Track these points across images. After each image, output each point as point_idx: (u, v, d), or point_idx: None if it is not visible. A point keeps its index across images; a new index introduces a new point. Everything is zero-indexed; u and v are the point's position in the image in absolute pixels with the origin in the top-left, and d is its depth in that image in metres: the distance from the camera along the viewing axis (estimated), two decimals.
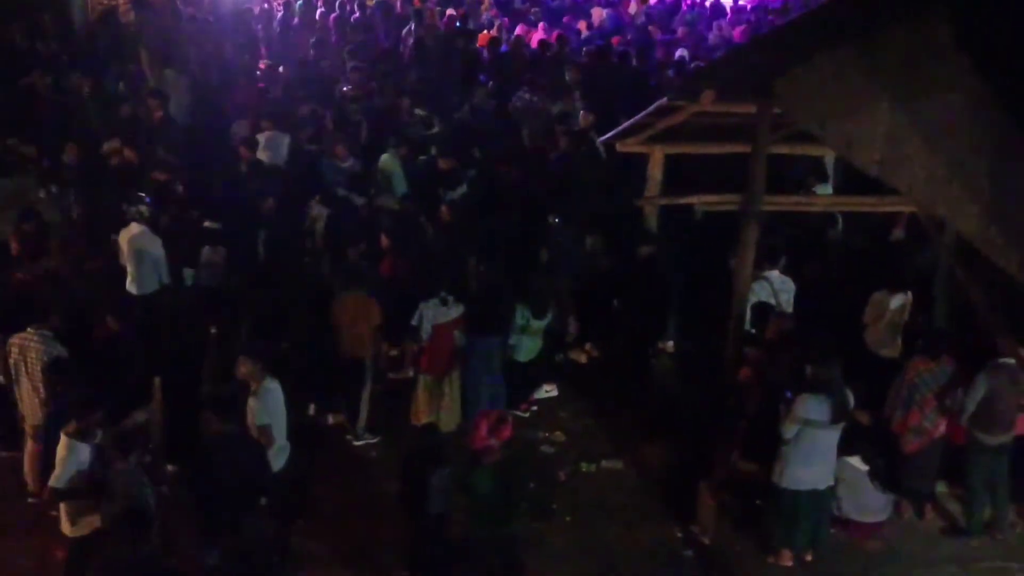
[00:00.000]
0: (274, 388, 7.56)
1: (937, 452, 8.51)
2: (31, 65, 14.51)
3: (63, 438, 6.83)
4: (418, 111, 14.17)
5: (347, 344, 9.33)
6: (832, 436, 7.75)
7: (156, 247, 10.00)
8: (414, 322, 9.25)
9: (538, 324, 9.84)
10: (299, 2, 19.53)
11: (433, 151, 12.74)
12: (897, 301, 9.40)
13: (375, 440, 9.58)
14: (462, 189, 11.79)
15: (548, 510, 8.61)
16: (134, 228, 9.98)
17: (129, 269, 9.99)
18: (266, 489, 7.07)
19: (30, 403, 8.09)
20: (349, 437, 9.63)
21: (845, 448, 8.03)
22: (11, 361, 8.03)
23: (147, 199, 10.34)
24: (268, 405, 7.49)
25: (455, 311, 9.29)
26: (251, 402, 7.45)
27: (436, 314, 9.20)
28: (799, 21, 6.78)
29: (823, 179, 11.54)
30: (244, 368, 7.53)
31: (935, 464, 8.57)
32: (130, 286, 10.01)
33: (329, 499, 8.70)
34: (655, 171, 10.81)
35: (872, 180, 6.34)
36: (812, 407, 7.56)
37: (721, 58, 11.29)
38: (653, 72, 16.42)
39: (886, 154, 5.95)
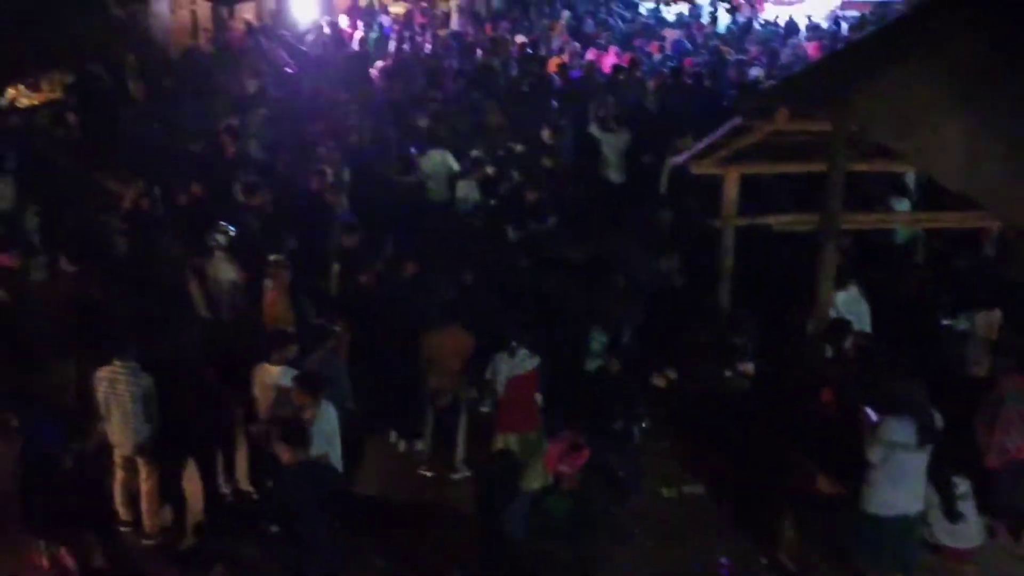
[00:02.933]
0: (330, 414, 7.60)
1: None
2: (116, 102, 14.98)
3: None
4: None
5: (439, 377, 9.18)
6: (920, 459, 7.51)
7: (234, 273, 10.20)
8: (488, 375, 8.90)
9: (616, 348, 9.74)
10: (373, 35, 19.87)
11: (515, 176, 12.73)
12: (986, 319, 9.13)
13: (470, 473, 9.36)
14: (553, 221, 11.68)
15: (628, 535, 8.49)
16: (217, 255, 10.23)
17: (200, 295, 10.21)
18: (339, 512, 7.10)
19: (121, 435, 8.26)
20: (424, 470, 9.57)
21: (935, 471, 7.78)
22: (100, 395, 8.20)
23: (229, 228, 10.52)
24: (324, 432, 7.51)
25: (530, 363, 8.78)
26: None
27: (510, 367, 8.74)
28: (873, 35, 6.69)
29: (904, 195, 11.31)
30: (299, 398, 7.57)
31: None
32: (205, 312, 10.23)
33: (404, 524, 8.69)
34: (730, 192, 10.69)
35: (957, 195, 6.18)
36: (897, 429, 7.35)
37: (794, 75, 11.16)
38: (727, 92, 16.31)
39: (967, 167, 5.80)
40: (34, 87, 16.39)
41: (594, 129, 14.01)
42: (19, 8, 14.48)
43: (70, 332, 9.38)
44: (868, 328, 9.33)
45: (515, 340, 8.69)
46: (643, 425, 9.94)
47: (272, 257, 9.79)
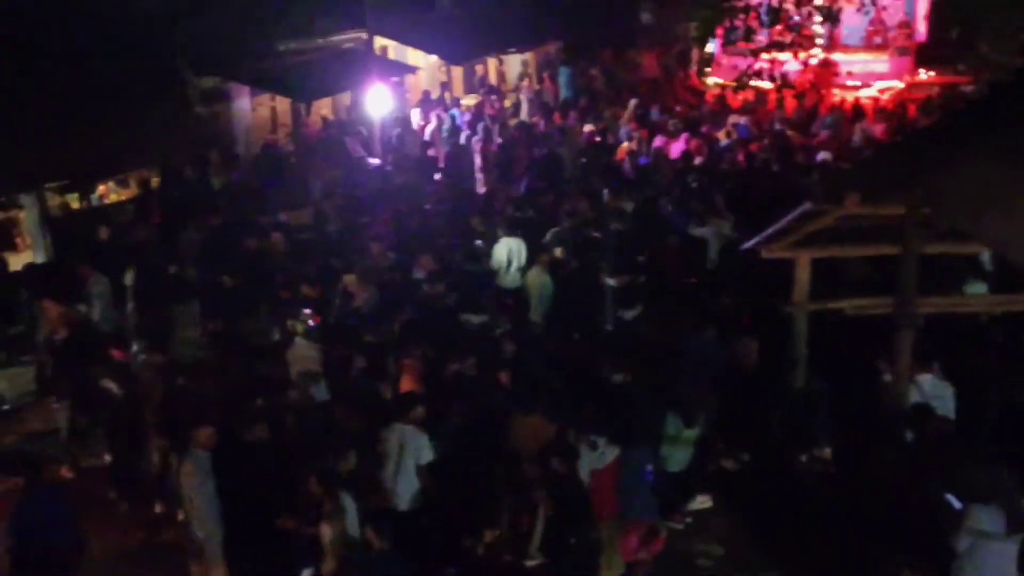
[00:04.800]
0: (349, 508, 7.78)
1: None
2: (201, 198, 15.59)
3: None
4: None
5: (523, 465, 9.14)
6: (1010, 549, 7.31)
7: (316, 361, 10.43)
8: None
9: (690, 433, 9.73)
10: (446, 127, 20.39)
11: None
12: None
13: (546, 561, 9.28)
14: (639, 309, 11.76)
15: None
16: (298, 343, 10.51)
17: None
18: None
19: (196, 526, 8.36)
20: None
21: None
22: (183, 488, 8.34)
23: (308, 313, 10.81)
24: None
25: (610, 455, 8.75)
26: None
27: (592, 460, 8.73)
28: (944, 119, 6.75)
29: (980, 277, 11.20)
30: (314, 488, 7.77)
31: None
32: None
33: None
34: (802, 276, 10.68)
35: None
36: (984, 518, 7.18)
37: (865, 160, 11.22)
38: (795, 176, 16.37)
39: None
40: (123, 183, 17.11)
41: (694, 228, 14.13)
42: (110, 108, 15.18)
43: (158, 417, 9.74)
44: (952, 412, 9.18)
45: (596, 435, 8.67)
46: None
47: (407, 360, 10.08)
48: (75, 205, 16.24)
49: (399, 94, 22.61)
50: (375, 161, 18.51)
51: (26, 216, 15.10)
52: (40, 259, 14.55)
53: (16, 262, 14.52)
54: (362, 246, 13.72)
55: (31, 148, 13.85)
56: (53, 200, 15.60)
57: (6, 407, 11.32)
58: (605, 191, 14.02)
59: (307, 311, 10.76)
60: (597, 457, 8.71)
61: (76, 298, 11.63)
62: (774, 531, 9.77)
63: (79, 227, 14.67)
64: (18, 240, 15.69)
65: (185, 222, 14.53)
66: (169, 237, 14.45)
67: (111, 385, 9.97)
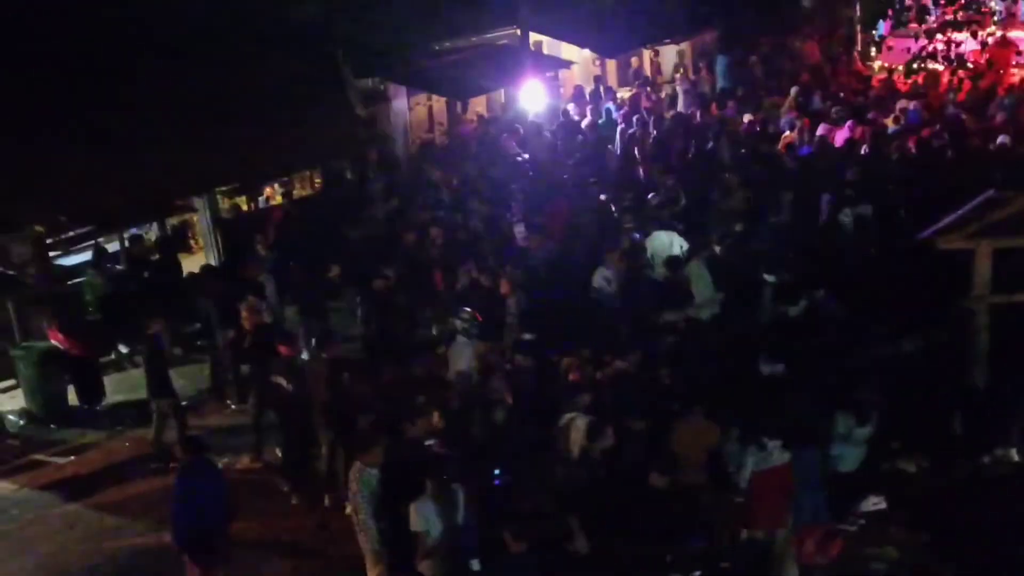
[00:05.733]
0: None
1: None
2: (361, 196, 15.96)
3: None
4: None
5: (685, 470, 8.87)
6: None
7: (472, 359, 10.51)
8: (731, 468, 8.65)
9: (862, 432, 9.35)
10: (602, 120, 20.25)
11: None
12: None
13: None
14: (803, 305, 11.42)
15: None
16: (459, 340, 10.63)
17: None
18: None
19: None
20: None
21: None
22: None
23: (469, 312, 10.88)
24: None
25: (778, 457, 8.42)
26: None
27: (757, 460, 8.45)
28: None
29: None
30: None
31: None
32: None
33: None
34: (982, 267, 10.09)
35: None
36: None
37: None
38: (971, 163, 15.53)
39: None
40: (288, 185, 17.68)
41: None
42: (273, 111, 15.67)
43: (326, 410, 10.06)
44: None
45: (767, 435, 8.37)
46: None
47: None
48: (244, 207, 16.86)
49: (554, 89, 22.60)
50: (526, 157, 18.51)
51: (198, 219, 15.77)
52: (212, 260, 15.17)
53: (191, 263, 15.18)
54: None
55: (201, 152, 14.43)
56: (223, 203, 16.23)
57: (184, 403, 11.83)
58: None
59: (468, 310, 10.81)
60: (763, 458, 8.41)
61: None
62: (952, 535, 9.28)
63: (248, 229, 15.21)
64: (192, 242, 16.44)
65: (345, 222, 14.89)
66: (329, 237, 14.80)
67: (282, 381, 10.27)
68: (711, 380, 9.96)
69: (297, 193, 17.86)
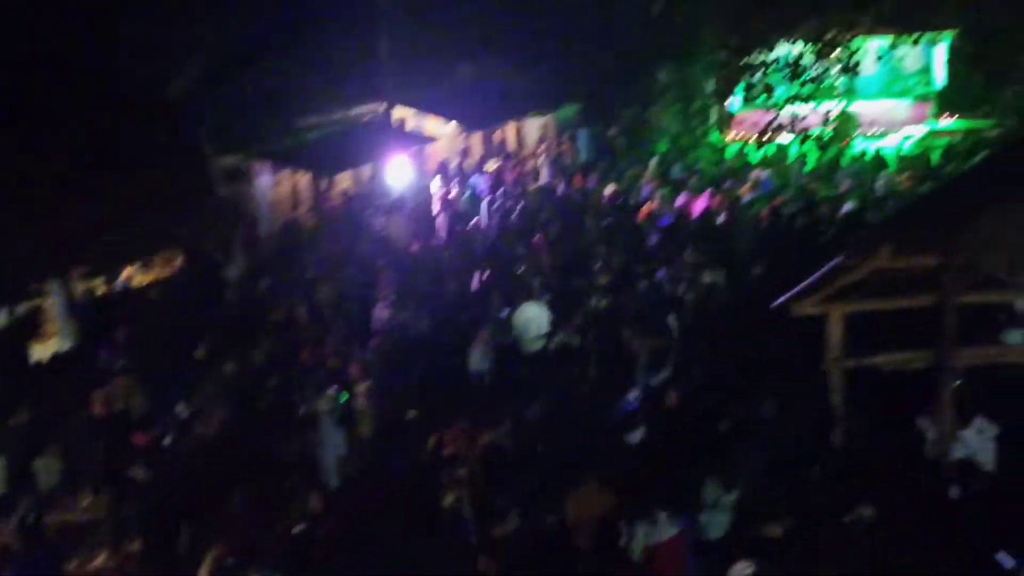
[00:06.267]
0: None
1: None
2: (224, 277, 15.63)
3: None
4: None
5: (581, 539, 8.89)
6: None
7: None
8: (621, 542, 8.63)
9: (728, 498, 9.46)
10: (466, 194, 20.39)
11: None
12: None
13: None
14: (665, 373, 11.56)
15: None
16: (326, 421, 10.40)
17: None
18: None
19: None
20: None
21: None
22: None
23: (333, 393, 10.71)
24: None
25: (667, 529, 8.44)
26: None
27: (647, 532, 8.48)
28: (978, 170, 6.60)
29: (1019, 325, 10.91)
30: None
31: None
32: None
33: None
34: (835, 332, 10.44)
35: None
36: None
37: (897, 212, 11.04)
38: (822, 229, 16.18)
39: None
40: (148, 266, 17.16)
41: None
42: (132, 191, 15.28)
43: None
44: (991, 466, 8.89)
45: (657, 506, 8.38)
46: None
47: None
48: (101, 290, 16.27)
49: (419, 164, 22.69)
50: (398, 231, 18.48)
51: (53, 303, 15.12)
52: (67, 346, 14.54)
53: (42, 350, 14.49)
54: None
55: (55, 234, 13.91)
56: (79, 286, 15.62)
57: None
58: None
59: (333, 388, 10.64)
60: (654, 531, 8.43)
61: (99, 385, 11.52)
62: None
63: (106, 312, 14.65)
64: (45, 328, 15.72)
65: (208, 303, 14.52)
66: (192, 319, 14.40)
67: (139, 471, 9.86)
68: (588, 450, 10.00)
69: (158, 274, 17.34)
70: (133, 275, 16.98)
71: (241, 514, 8.97)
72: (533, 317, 13.12)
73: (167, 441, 10.66)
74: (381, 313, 14.08)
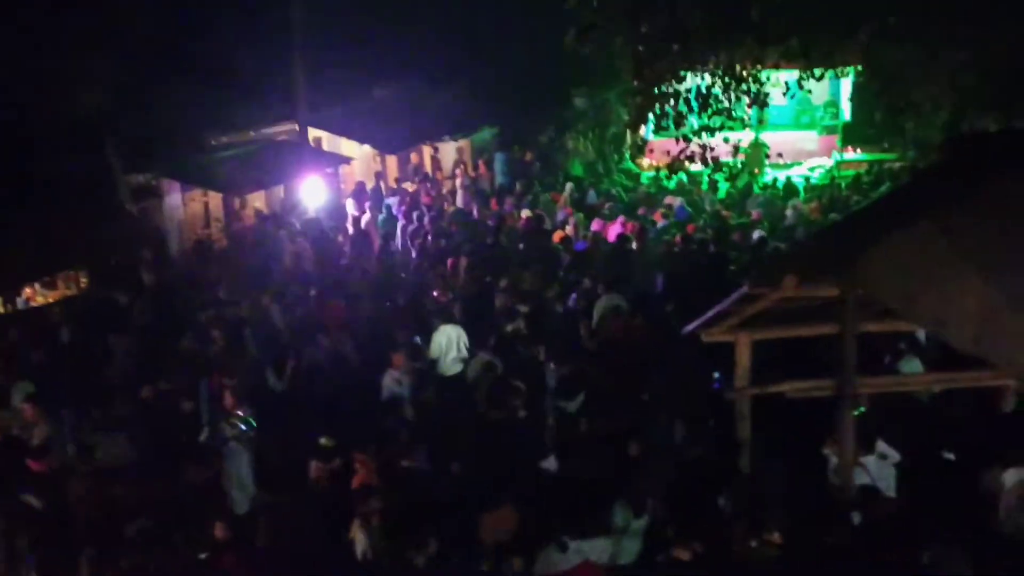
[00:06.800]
0: None
1: None
2: (134, 293, 15.29)
3: None
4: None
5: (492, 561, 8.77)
6: None
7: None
8: (532, 568, 8.53)
9: (639, 523, 9.53)
10: (381, 216, 20.31)
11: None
12: (1013, 477, 8.91)
13: None
14: (579, 400, 11.59)
15: None
16: (231, 446, 10.26)
17: None
18: None
19: None
20: None
21: None
22: None
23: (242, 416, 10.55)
24: None
25: (576, 556, 8.41)
26: None
27: (557, 560, 8.45)
28: (877, 201, 6.79)
29: (917, 353, 11.25)
30: None
31: None
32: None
33: None
34: (742, 359, 10.62)
35: None
36: None
37: (801, 243, 11.30)
38: (732, 256, 16.50)
39: (981, 330, 5.78)
40: (50, 285, 16.69)
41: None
42: (37, 207, 14.90)
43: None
44: (892, 491, 9.11)
45: (565, 534, 8.34)
46: None
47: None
48: (0, 309, 15.76)
49: (334, 185, 22.54)
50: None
51: None
52: None
53: None
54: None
55: None
56: None
57: None
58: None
59: (241, 412, 10.47)
60: (564, 558, 8.40)
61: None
62: None
63: (4, 332, 14.20)
64: None
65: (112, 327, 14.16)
66: (96, 342, 14.02)
67: (32, 500, 9.54)
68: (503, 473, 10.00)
69: (61, 293, 16.87)
70: (34, 294, 16.50)
71: (142, 541, 8.73)
72: (452, 339, 13.09)
73: (67, 466, 10.32)
74: (293, 335, 13.93)
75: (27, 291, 16.30)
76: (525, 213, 20.21)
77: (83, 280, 16.78)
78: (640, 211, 20.52)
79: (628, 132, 24.76)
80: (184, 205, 19.91)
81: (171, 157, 18.51)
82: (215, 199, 20.81)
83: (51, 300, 16.46)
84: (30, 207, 14.88)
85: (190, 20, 19.16)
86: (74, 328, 14.48)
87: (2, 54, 15.40)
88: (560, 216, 20.35)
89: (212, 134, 19.72)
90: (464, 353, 13.00)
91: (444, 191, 24.56)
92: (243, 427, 10.32)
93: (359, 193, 22.37)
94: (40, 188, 15.13)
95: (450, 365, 13.04)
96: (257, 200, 21.62)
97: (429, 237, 18.56)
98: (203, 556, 8.66)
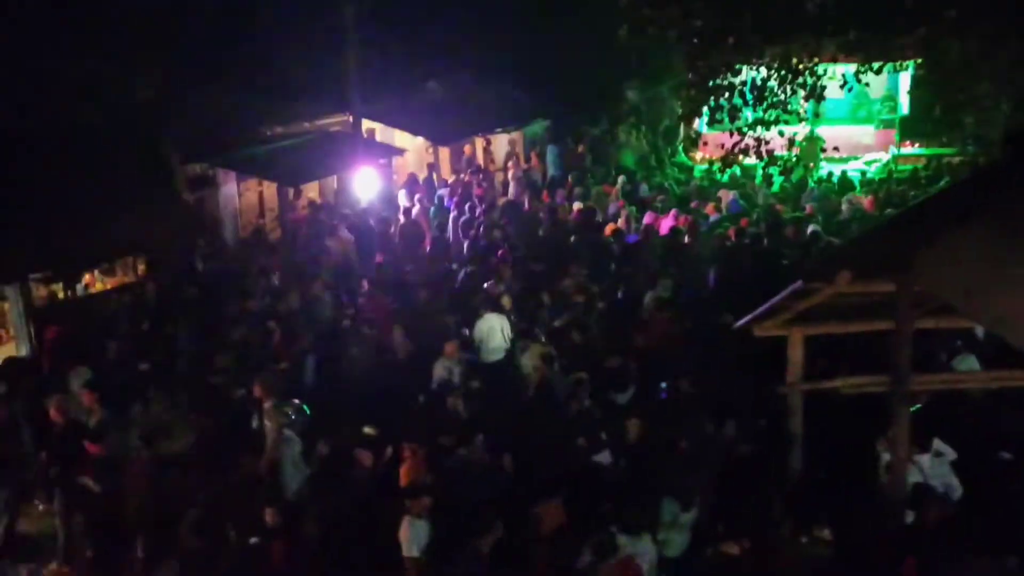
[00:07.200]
0: None
1: None
2: (192, 283, 15.50)
3: None
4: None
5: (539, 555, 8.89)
6: None
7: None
8: (577, 563, 8.60)
9: (686, 517, 9.50)
10: (433, 207, 20.38)
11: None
12: None
13: None
14: (630, 392, 11.57)
15: None
16: (286, 434, 10.37)
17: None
18: None
19: None
20: None
21: None
22: None
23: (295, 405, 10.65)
24: None
25: (623, 549, 8.47)
26: None
27: (604, 551, 8.44)
28: (936, 197, 6.68)
29: (974, 351, 11.06)
30: None
31: None
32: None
33: None
34: (795, 354, 10.52)
35: None
36: None
37: (856, 238, 11.13)
38: (785, 251, 16.32)
39: None
40: (109, 272, 16.98)
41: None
42: (95, 196, 15.15)
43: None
44: (956, 492, 8.96)
45: (614, 524, 8.40)
46: None
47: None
48: (60, 295, 16.07)
49: (386, 176, 22.67)
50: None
51: (9, 308, 14.92)
52: (23, 351, 14.34)
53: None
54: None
55: (14, 238, 13.74)
56: (38, 291, 15.42)
57: None
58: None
59: (296, 401, 10.59)
60: (611, 550, 8.43)
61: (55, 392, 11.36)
62: None
63: (64, 318, 14.47)
64: (2, 332, 15.52)
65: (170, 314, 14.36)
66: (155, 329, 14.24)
67: (89, 482, 9.73)
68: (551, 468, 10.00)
69: (119, 280, 17.16)
70: (94, 281, 16.80)
71: (195, 526, 8.85)
72: (494, 327, 13.12)
73: (124, 453, 10.50)
74: (346, 324, 14.04)
75: (87, 278, 16.61)
76: (577, 205, 20.17)
77: (141, 267, 17.04)
78: (693, 204, 20.38)
79: (681, 125, 24.59)
80: (239, 195, 20.16)
81: (226, 147, 18.72)
82: (270, 189, 21.03)
83: (110, 287, 16.75)
84: (90, 196, 15.13)
85: (247, 15, 19.40)
86: (133, 316, 14.74)
87: (61, 48, 15.67)
88: (612, 209, 20.29)
89: (267, 126, 19.92)
90: (506, 343, 13.02)
91: (496, 183, 24.58)
92: (294, 416, 10.40)
93: (411, 184, 22.48)
94: (100, 177, 15.37)
95: (491, 352, 13.09)
96: (311, 190, 21.82)
97: (481, 228, 18.57)
98: (253, 541, 8.77)
